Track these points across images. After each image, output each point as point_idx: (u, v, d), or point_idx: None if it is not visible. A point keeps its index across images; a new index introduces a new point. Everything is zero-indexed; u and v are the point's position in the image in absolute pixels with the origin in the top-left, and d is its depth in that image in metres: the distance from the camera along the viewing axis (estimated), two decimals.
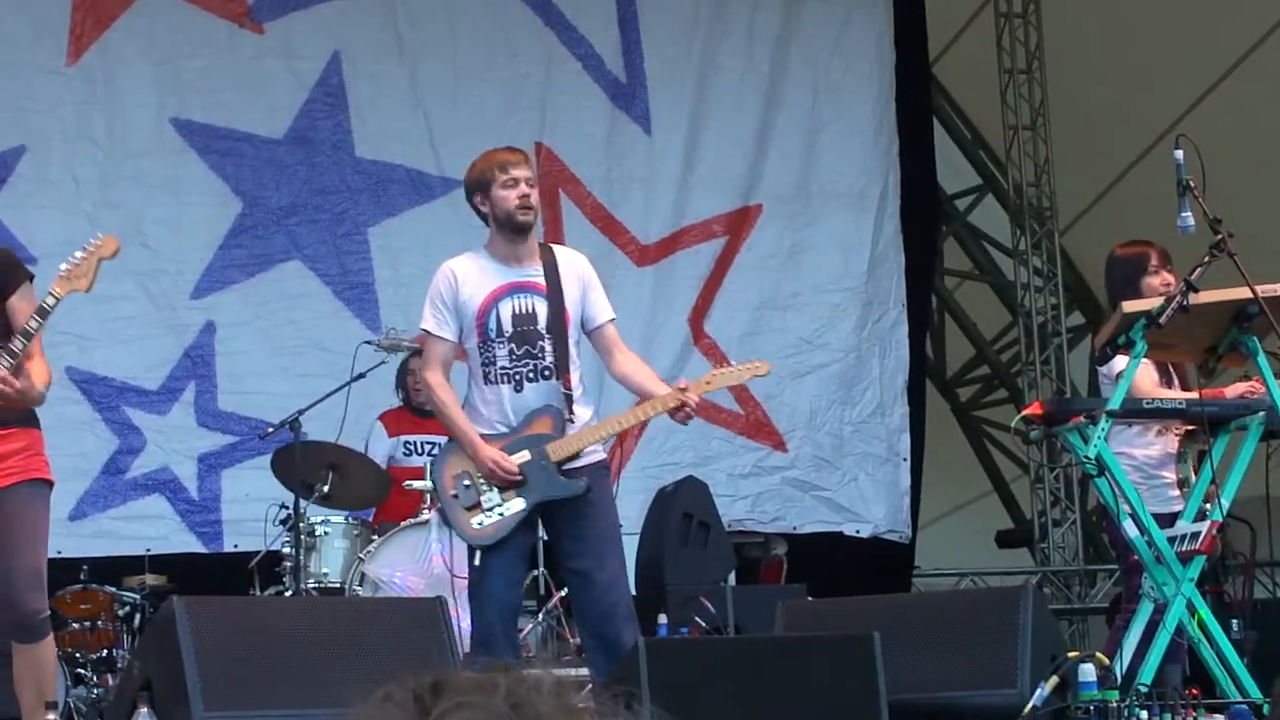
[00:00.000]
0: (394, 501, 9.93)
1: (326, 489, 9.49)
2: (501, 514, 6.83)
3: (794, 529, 12.53)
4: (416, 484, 9.30)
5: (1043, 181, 14.37)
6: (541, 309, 6.86)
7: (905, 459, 12.88)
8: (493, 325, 6.85)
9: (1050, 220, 14.41)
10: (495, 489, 6.82)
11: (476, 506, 6.87)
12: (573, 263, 7.03)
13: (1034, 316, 14.43)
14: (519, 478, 6.79)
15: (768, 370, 7.28)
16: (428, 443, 10.22)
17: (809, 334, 12.79)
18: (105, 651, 9.90)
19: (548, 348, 6.85)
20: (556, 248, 7.17)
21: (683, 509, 10.62)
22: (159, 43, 12.10)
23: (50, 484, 6.48)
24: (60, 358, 11.05)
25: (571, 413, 6.86)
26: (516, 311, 6.86)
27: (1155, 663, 6.92)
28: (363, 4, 12.49)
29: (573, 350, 6.89)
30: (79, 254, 6.45)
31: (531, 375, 6.86)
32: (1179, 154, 6.94)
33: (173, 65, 12.12)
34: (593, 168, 12.69)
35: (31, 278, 6.54)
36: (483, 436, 6.86)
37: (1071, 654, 6.86)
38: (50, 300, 6.28)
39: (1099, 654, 6.91)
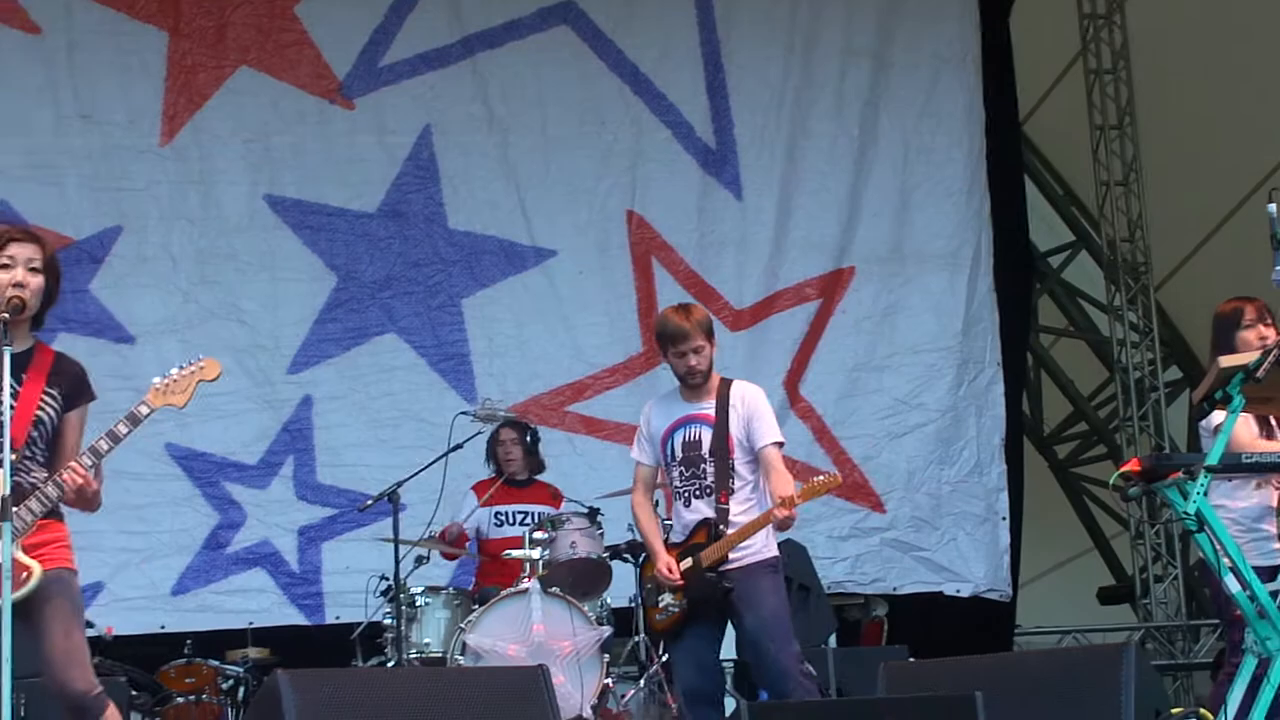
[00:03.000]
0: (493, 571, 9.95)
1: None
2: (671, 611, 7.82)
3: (894, 590, 12.47)
4: (515, 553, 9.30)
5: (1136, 236, 14.27)
6: (706, 436, 7.86)
7: (1004, 518, 12.77)
8: (669, 452, 7.93)
9: (1145, 275, 14.31)
10: (669, 591, 7.81)
11: (656, 605, 7.89)
12: (742, 396, 7.95)
13: (1131, 372, 14.31)
14: (680, 581, 7.75)
15: (839, 482, 7.82)
16: (519, 512, 10.28)
17: (905, 395, 12.74)
18: None
19: (709, 469, 7.83)
20: (735, 382, 8.02)
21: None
22: (250, 120, 12.25)
23: (76, 573, 6.51)
24: (159, 434, 11.19)
25: (726, 524, 7.73)
26: (686, 439, 7.90)
27: (1260, 718, 6.83)
28: (452, 77, 12.57)
29: (739, 470, 7.81)
30: (176, 371, 6.46)
31: (697, 493, 7.87)
32: (1272, 207, 6.88)
33: (264, 142, 12.27)
34: (684, 234, 12.71)
35: (94, 398, 6.56)
36: (669, 545, 7.92)
37: (1175, 710, 6.81)
38: (144, 410, 6.31)
39: (1203, 710, 6.83)
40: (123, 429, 6.23)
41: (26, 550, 6.18)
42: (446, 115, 12.54)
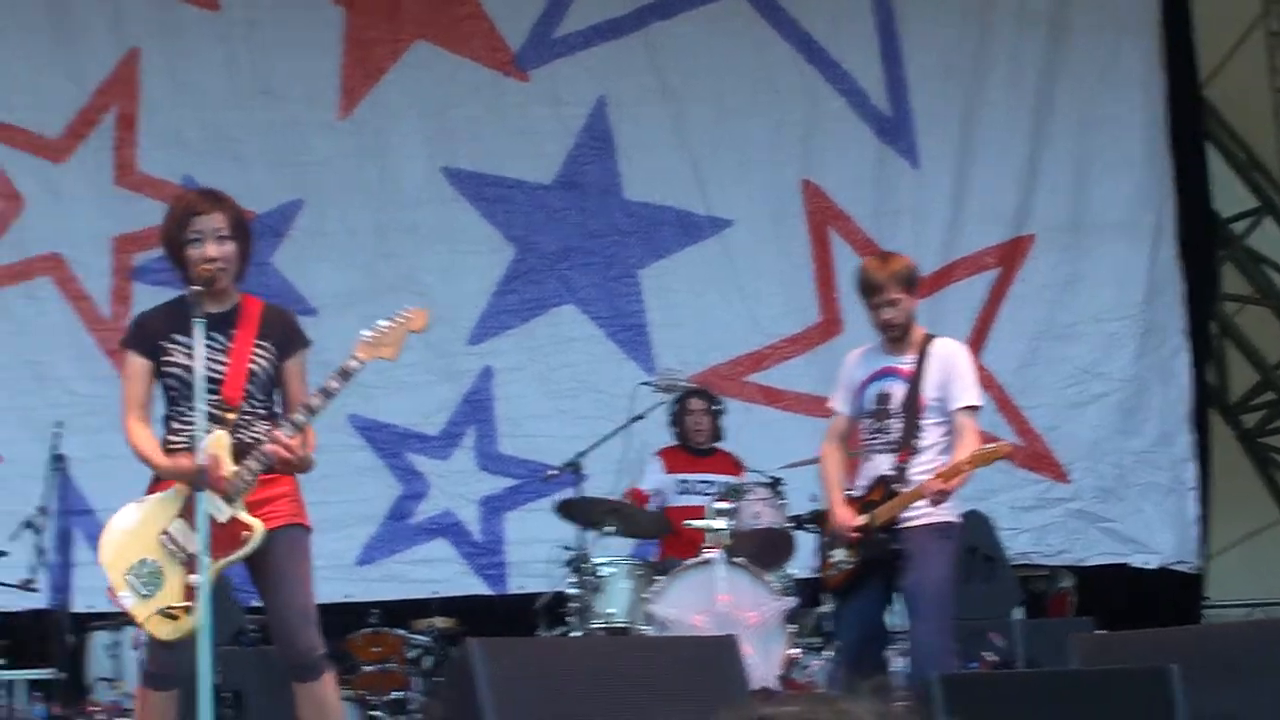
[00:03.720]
0: (676, 540, 9.94)
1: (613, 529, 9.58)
2: (843, 567, 7.74)
3: (1080, 561, 12.33)
4: (696, 523, 9.29)
5: None
6: (899, 391, 7.71)
7: (1192, 488, 12.63)
8: (863, 403, 7.80)
9: None
10: (843, 546, 7.70)
11: (829, 560, 7.84)
12: (943, 353, 7.79)
13: None
14: (855, 536, 7.64)
15: (1010, 450, 7.82)
16: (703, 481, 10.26)
17: (1087, 364, 12.59)
18: (396, 693, 10.02)
19: (896, 425, 7.67)
20: (939, 339, 7.89)
21: (967, 543, 10.47)
22: (427, 93, 12.32)
23: (310, 530, 6.54)
24: (343, 406, 11.25)
25: (903, 483, 7.57)
26: (880, 392, 7.76)
27: None
28: (625, 48, 12.57)
29: (926, 430, 7.64)
30: (384, 323, 6.45)
31: (880, 448, 7.72)
32: None
33: (441, 115, 12.34)
34: (860, 203, 12.63)
35: (308, 344, 6.58)
36: (848, 498, 7.76)
37: None
38: (354, 364, 6.31)
39: None
40: (335, 384, 6.26)
41: (250, 508, 6.24)
42: (620, 86, 12.54)
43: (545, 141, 12.42)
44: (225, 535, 6.21)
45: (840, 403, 7.93)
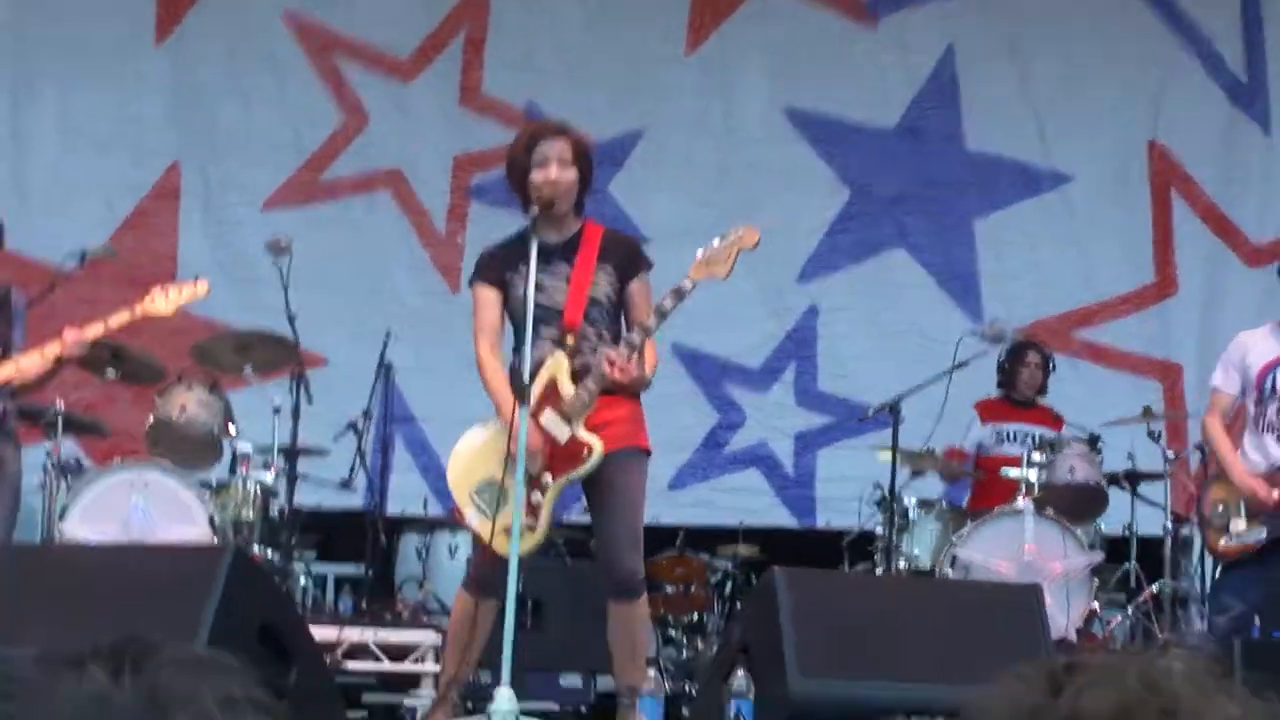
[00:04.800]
0: (988, 488, 9.92)
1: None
2: (1243, 540, 7.83)
3: None
4: (1013, 473, 9.27)
5: None
6: None
7: None
8: (1269, 387, 7.89)
9: None
10: (1243, 517, 7.83)
11: (1224, 528, 7.90)
12: None
13: None
14: (1267, 508, 7.73)
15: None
16: (1020, 431, 10.25)
17: None
18: (696, 616, 10.17)
19: None
20: None
21: None
22: (774, 34, 12.33)
23: (649, 453, 6.68)
24: (667, 334, 11.35)
25: None
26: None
27: None
28: (978, 0, 12.48)
29: None
30: (717, 242, 6.54)
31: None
32: None
33: (787, 56, 12.35)
34: (1208, 167, 12.36)
35: (650, 266, 6.72)
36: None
37: None
38: (688, 284, 6.42)
39: None
40: (669, 304, 6.39)
41: (590, 428, 6.41)
42: (968, 37, 12.42)
43: (890, 88, 12.37)
44: (565, 454, 6.39)
45: (1228, 383, 8.06)
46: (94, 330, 7.57)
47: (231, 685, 1.42)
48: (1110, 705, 1.57)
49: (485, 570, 6.58)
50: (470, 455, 6.64)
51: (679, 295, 6.38)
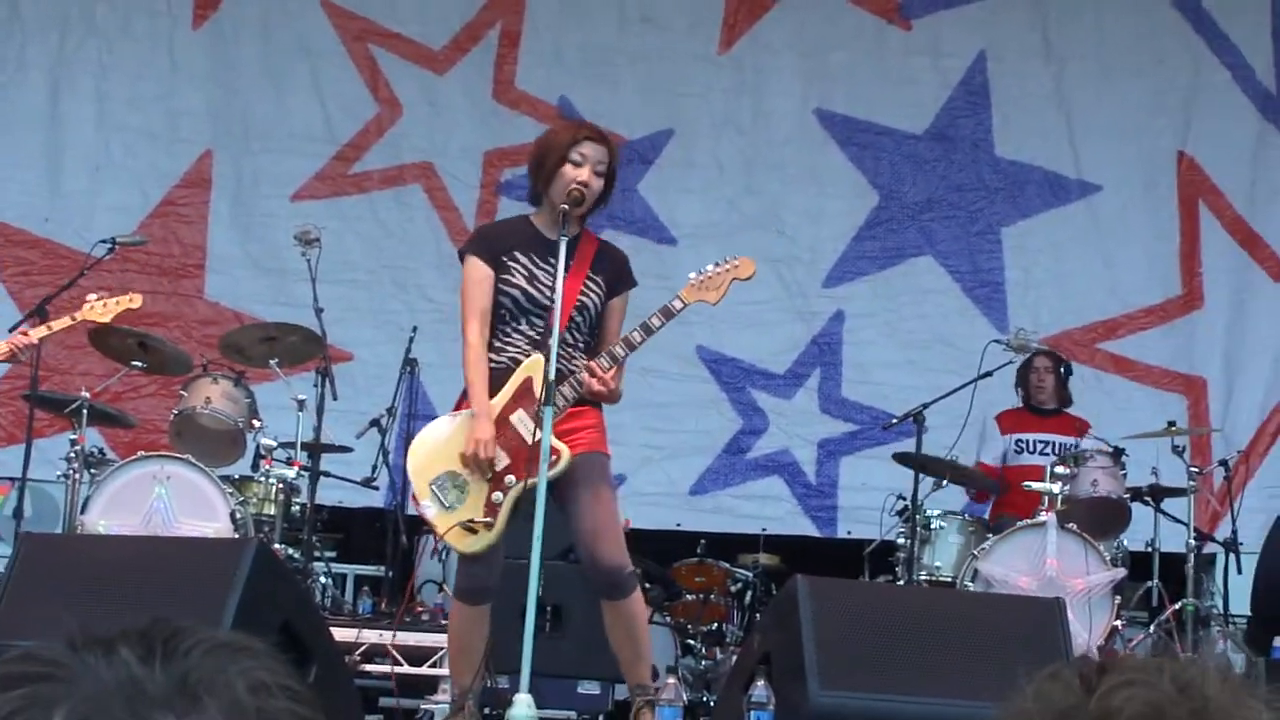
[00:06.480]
0: (1010, 499, 9.90)
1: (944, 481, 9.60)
2: None
3: None
4: (1036, 486, 9.24)
5: None
6: None
7: None
8: None
9: None
10: None
11: None
12: None
13: None
14: None
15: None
16: (1041, 441, 10.25)
17: None
18: (715, 625, 10.15)
19: None
20: None
21: None
22: (807, 34, 12.31)
23: (610, 458, 6.73)
24: (691, 336, 11.42)
25: None
26: None
27: None
28: (1011, 4, 12.43)
29: None
30: (712, 267, 6.66)
31: None
32: None
33: (819, 57, 12.32)
34: (1236, 180, 12.29)
35: (634, 285, 6.78)
36: None
37: None
38: (678, 304, 6.53)
39: None
40: (656, 322, 6.45)
41: (558, 435, 6.43)
42: (1002, 42, 12.39)
43: (921, 91, 12.34)
44: (532, 456, 6.39)
45: None
46: (39, 332, 8.31)
47: (262, 670, 1.42)
48: (1142, 706, 1.58)
49: (466, 575, 6.60)
50: (434, 445, 6.63)
51: (667, 315, 6.47)
